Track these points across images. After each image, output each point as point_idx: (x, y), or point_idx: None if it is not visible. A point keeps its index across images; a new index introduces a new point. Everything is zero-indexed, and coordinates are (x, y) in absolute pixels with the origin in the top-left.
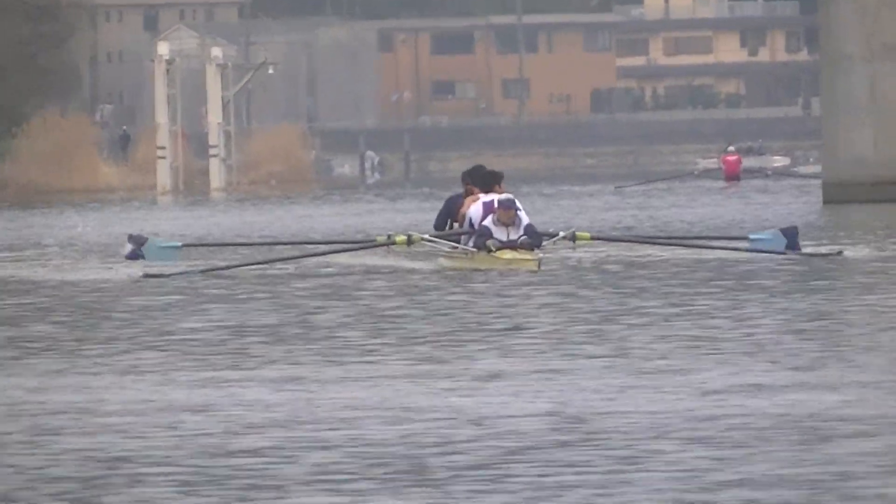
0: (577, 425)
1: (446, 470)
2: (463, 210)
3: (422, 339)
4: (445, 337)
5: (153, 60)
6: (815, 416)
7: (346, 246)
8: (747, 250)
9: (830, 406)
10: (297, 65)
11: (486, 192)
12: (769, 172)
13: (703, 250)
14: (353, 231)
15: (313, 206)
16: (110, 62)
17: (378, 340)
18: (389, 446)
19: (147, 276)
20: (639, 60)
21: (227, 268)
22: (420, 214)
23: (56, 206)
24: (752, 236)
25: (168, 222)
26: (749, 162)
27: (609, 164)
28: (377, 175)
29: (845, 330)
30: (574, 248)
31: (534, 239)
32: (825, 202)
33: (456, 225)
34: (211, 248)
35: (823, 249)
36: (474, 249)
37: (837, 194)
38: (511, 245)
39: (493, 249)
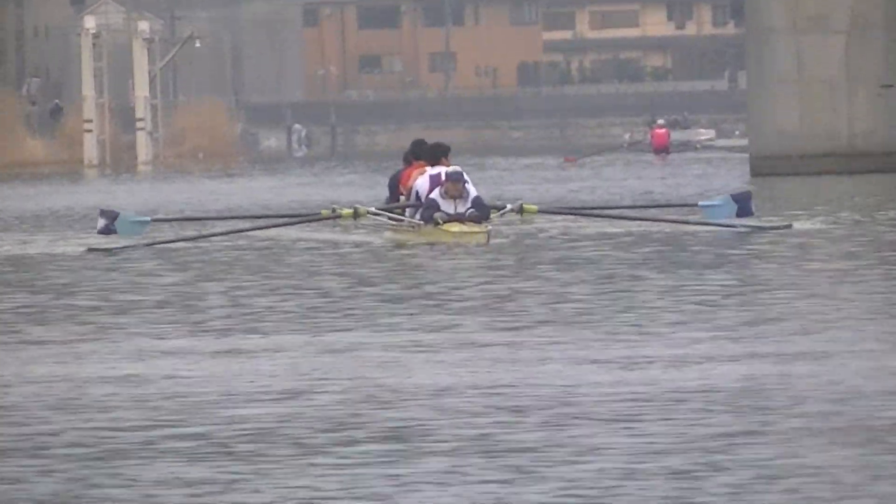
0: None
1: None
2: (409, 182)
3: (350, 312)
4: (381, 309)
5: (80, 35)
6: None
7: (291, 220)
8: (697, 223)
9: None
10: (223, 39)
11: (433, 165)
12: (698, 146)
13: (652, 224)
14: (294, 205)
15: (245, 179)
16: (37, 37)
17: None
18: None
19: (91, 250)
20: (565, 34)
21: (171, 241)
22: (352, 189)
23: None
24: (701, 203)
25: (96, 195)
26: (675, 136)
27: (535, 137)
28: (304, 148)
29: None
30: (522, 221)
31: (481, 212)
32: (752, 175)
33: (402, 198)
34: (181, 222)
35: (773, 222)
36: (421, 222)
37: (764, 167)
38: (459, 218)
39: (441, 222)
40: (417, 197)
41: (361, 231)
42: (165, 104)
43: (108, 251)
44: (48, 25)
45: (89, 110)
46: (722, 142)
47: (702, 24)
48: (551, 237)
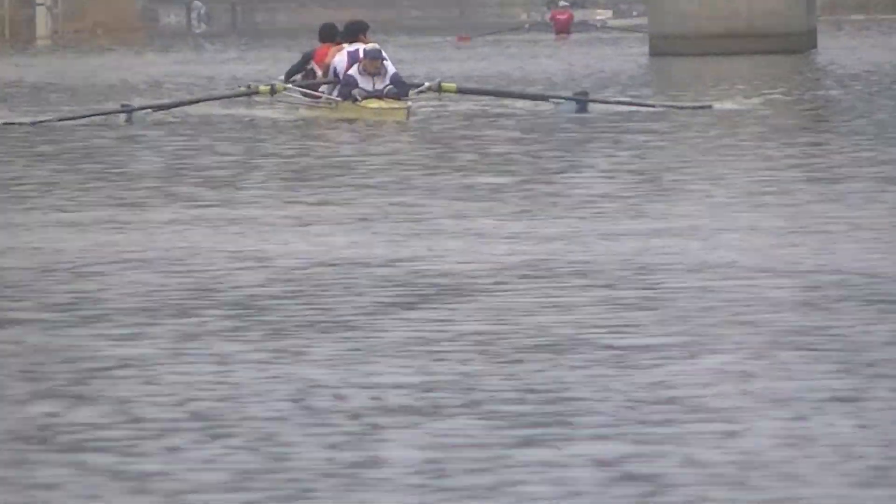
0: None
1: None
2: (327, 60)
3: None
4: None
5: None
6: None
7: (208, 96)
8: (618, 102)
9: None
10: None
11: (351, 42)
12: (598, 25)
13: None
14: (206, 81)
15: (151, 54)
16: None
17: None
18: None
19: (5, 124)
20: None
21: (89, 116)
22: (259, 65)
23: None
24: (552, 99)
25: (3, 69)
26: (576, 15)
27: (434, 16)
28: (203, 25)
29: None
30: (440, 99)
31: (400, 89)
32: (651, 55)
33: (320, 75)
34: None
35: (693, 103)
36: (339, 99)
37: (663, 47)
38: (377, 95)
39: (360, 99)
40: (335, 74)
41: (277, 108)
42: None
43: (23, 125)
44: None
45: None
46: (618, 21)
47: None
48: (467, 117)
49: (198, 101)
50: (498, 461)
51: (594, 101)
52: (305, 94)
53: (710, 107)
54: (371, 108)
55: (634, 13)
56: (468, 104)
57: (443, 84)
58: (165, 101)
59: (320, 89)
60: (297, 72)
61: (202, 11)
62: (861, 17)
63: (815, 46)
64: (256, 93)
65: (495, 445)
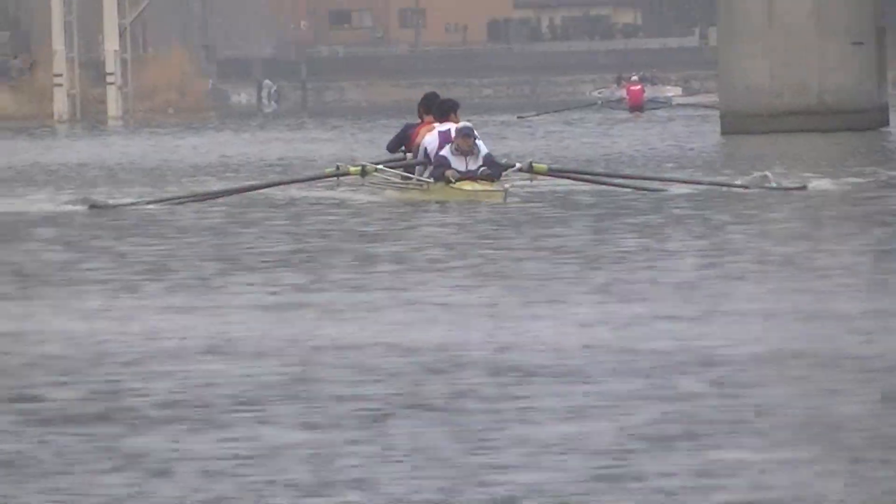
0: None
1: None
2: (417, 140)
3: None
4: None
5: None
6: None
7: (294, 178)
8: (711, 183)
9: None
10: None
11: (442, 121)
12: (673, 103)
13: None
14: (283, 162)
15: (225, 134)
16: None
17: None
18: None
19: (94, 207)
20: None
21: (173, 200)
22: (332, 145)
23: None
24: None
25: (74, 153)
26: (648, 92)
27: (506, 94)
28: (274, 104)
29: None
30: (531, 180)
31: (494, 170)
32: (723, 133)
33: (409, 155)
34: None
35: (786, 183)
36: (431, 180)
37: (735, 125)
38: (471, 176)
39: (454, 180)
40: (426, 154)
41: (365, 190)
42: (135, 58)
43: (110, 207)
44: None
45: (59, 64)
46: (686, 99)
47: None
48: (559, 198)
49: (287, 183)
50: None
51: (682, 181)
52: (398, 176)
53: (804, 188)
54: (466, 190)
55: (701, 90)
56: (562, 184)
57: (534, 164)
58: (253, 182)
59: (411, 169)
60: (399, 145)
61: (273, 90)
62: None
63: (887, 124)
64: (347, 174)
65: None
